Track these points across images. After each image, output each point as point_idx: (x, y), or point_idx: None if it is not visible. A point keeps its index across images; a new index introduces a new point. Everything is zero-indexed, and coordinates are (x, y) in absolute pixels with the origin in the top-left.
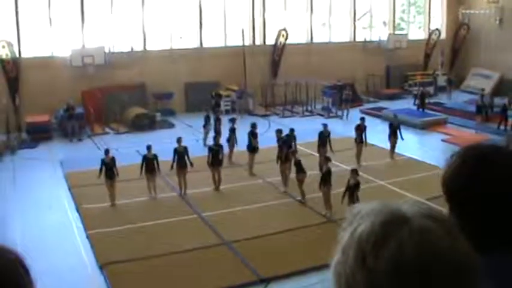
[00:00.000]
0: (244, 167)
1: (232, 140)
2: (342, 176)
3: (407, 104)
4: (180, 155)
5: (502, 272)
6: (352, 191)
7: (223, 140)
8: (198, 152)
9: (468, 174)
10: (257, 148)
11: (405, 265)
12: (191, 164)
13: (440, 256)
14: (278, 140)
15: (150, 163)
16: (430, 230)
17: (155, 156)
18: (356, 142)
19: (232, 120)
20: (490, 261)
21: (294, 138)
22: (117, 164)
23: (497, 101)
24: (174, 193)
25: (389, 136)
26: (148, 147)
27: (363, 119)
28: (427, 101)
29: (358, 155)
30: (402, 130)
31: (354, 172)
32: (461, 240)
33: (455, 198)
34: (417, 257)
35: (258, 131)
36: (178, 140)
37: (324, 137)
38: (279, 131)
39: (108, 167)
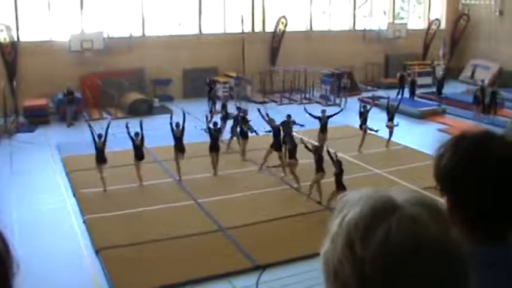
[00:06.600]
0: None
1: (235, 127)
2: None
3: (405, 93)
4: (179, 139)
5: (500, 263)
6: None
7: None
8: (195, 138)
9: (462, 163)
10: (247, 134)
11: (392, 253)
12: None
13: (428, 244)
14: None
15: (139, 150)
16: (419, 217)
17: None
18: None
19: (238, 109)
20: (487, 252)
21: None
22: (114, 149)
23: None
24: (171, 179)
25: (387, 122)
26: (137, 134)
27: (364, 106)
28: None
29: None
30: (399, 119)
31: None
32: (451, 228)
33: (449, 188)
34: (404, 245)
35: (249, 116)
36: (177, 125)
37: (323, 123)
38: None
39: (100, 152)
